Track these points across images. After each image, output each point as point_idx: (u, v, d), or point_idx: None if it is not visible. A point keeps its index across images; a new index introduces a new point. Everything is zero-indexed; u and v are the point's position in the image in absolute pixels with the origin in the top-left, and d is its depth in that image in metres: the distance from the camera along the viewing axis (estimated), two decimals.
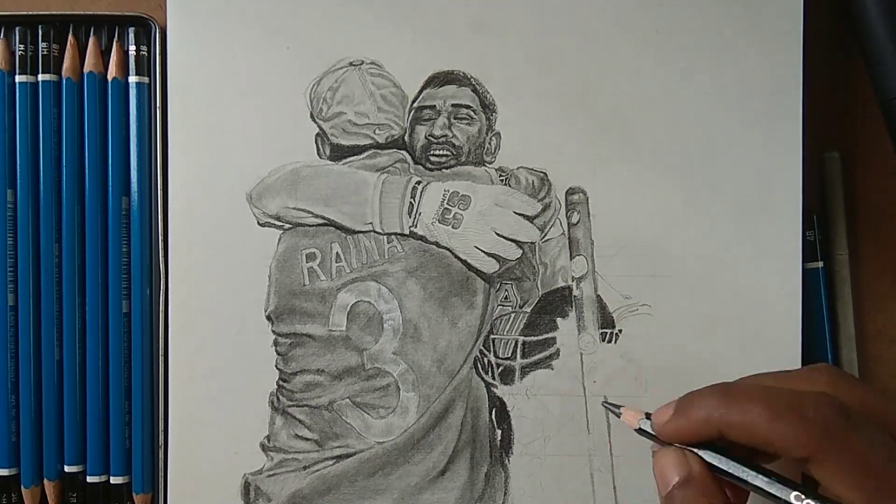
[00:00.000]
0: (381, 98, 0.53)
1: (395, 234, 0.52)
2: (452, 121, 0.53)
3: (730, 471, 0.39)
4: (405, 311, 0.52)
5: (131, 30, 0.53)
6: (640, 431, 0.42)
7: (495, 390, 0.52)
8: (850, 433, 0.36)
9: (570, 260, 0.52)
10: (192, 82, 0.52)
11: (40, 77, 0.52)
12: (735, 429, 0.37)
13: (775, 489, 0.37)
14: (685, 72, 0.53)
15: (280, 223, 0.52)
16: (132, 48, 0.53)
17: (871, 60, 0.50)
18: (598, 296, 0.52)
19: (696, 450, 0.40)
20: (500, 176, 0.52)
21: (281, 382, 0.52)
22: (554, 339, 0.52)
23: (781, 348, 0.52)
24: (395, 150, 0.53)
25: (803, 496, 0.36)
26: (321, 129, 0.53)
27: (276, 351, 0.52)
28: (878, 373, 0.55)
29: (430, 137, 0.53)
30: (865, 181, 0.55)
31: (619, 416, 0.43)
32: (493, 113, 0.53)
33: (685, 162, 0.52)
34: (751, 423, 0.37)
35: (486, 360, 0.52)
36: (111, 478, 0.53)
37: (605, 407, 0.45)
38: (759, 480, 0.38)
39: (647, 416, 0.42)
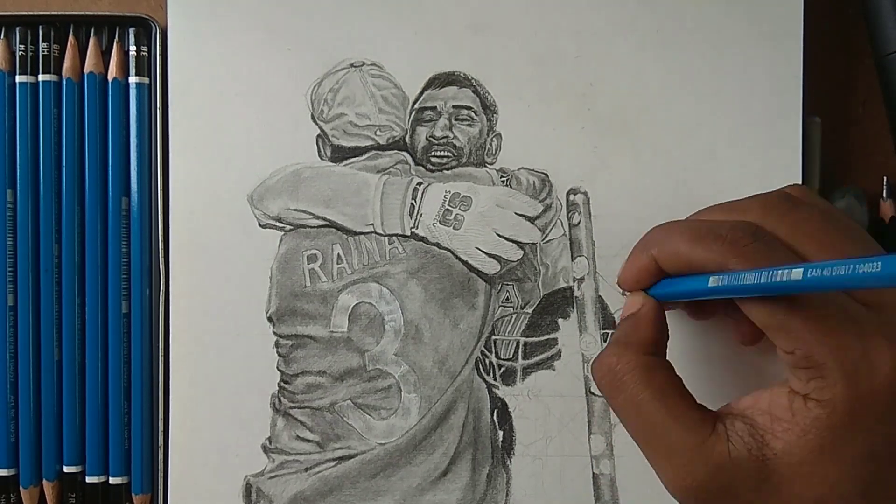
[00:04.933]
0: (382, 99, 0.53)
1: (397, 235, 0.52)
2: (453, 122, 0.53)
3: (679, 287, 0.43)
4: (406, 312, 0.52)
5: (132, 30, 0.53)
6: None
7: (497, 391, 0.52)
8: (757, 251, 0.39)
9: (572, 261, 0.52)
10: (193, 83, 0.52)
11: (40, 77, 0.52)
12: (667, 257, 0.42)
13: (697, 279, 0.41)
14: (685, 72, 0.53)
15: (281, 225, 0.52)
16: (133, 49, 0.53)
17: (870, 17, 0.52)
18: (599, 296, 0.52)
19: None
20: (501, 177, 0.52)
21: (282, 384, 0.52)
22: (555, 339, 0.52)
23: None
24: (396, 151, 0.53)
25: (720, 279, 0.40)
26: (322, 130, 0.53)
27: (277, 352, 0.52)
28: None
29: (430, 138, 0.53)
30: (865, 178, 0.55)
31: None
32: (493, 114, 0.53)
33: (686, 162, 0.53)
34: (677, 249, 0.41)
35: (487, 361, 0.52)
36: (110, 478, 0.53)
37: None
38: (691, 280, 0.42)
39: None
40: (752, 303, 0.39)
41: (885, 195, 0.54)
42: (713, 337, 0.52)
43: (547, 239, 0.53)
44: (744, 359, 0.51)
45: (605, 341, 0.52)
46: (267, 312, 0.52)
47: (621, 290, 0.47)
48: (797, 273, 0.34)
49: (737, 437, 0.38)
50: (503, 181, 0.53)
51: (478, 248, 0.52)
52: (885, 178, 0.54)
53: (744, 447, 0.38)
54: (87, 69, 0.53)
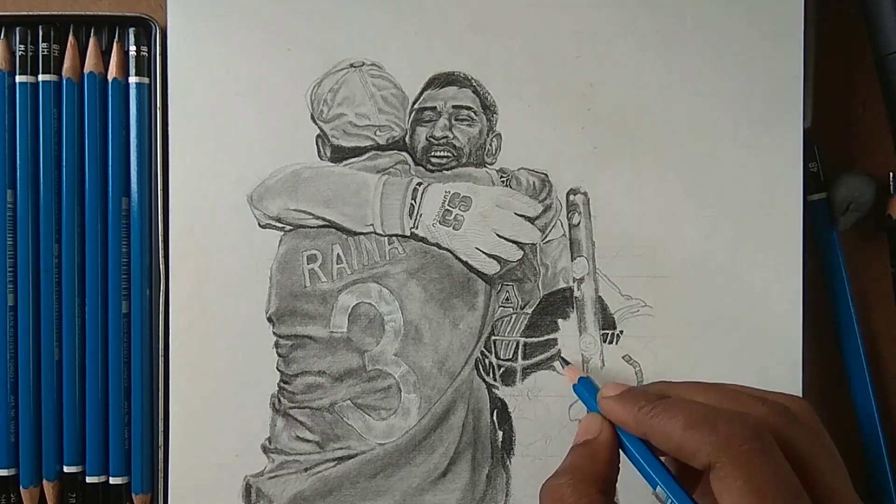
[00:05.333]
0: (382, 99, 0.53)
1: (396, 235, 0.52)
2: (453, 122, 0.53)
3: (633, 453, 0.42)
4: (406, 312, 0.52)
5: (132, 30, 0.53)
6: (575, 390, 0.49)
7: (496, 391, 0.52)
8: (751, 452, 0.36)
9: (572, 261, 0.52)
10: (193, 83, 0.52)
11: (40, 77, 0.52)
12: (657, 434, 0.40)
13: (655, 476, 0.41)
14: (685, 72, 0.53)
15: (281, 225, 0.52)
16: (132, 49, 0.53)
17: (870, 17, 0.52)
18: (599, 297, 0.52)
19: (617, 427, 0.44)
20: (501, 177, 0.52)
21: (282, 384, 0.52)
22: (555, 340, 0.52)
23: (781, 348, 0.52)
24: (395, 151, 0.53)
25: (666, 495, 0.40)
26: (322, 130, 0.53)
27: (277, 353, 0.52)
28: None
29: (430, 139, 0.53)
30: None
31: (563, 366, 0.52)
32: (493, 114, 0.53)
33: (686, 162, 0.52)
34: (669, 430, 0.39)
35: (487, 361, 0.52)
36: (110, 478, 0.53)
37: (560, 360, 0.52)
38: (652, 469, 0.41)
39: (585, 378, 0.49)
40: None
41: (892, 191, 0.54)
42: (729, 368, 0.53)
43: (547, 239, 0.52)
44: None
45: (604, 341, 0.52)
46: (267, 313, 0.52)
47: (587, 398, 0.47)
48: None
49: None
50: (503, 181, 0.52)
51: (477, 249, 0.52)
52: (890, 173, 0.54)
53: None
54: (87, 69, 0.53)
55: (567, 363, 0.52)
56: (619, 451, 0.43)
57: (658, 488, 0.40)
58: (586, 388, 0.47)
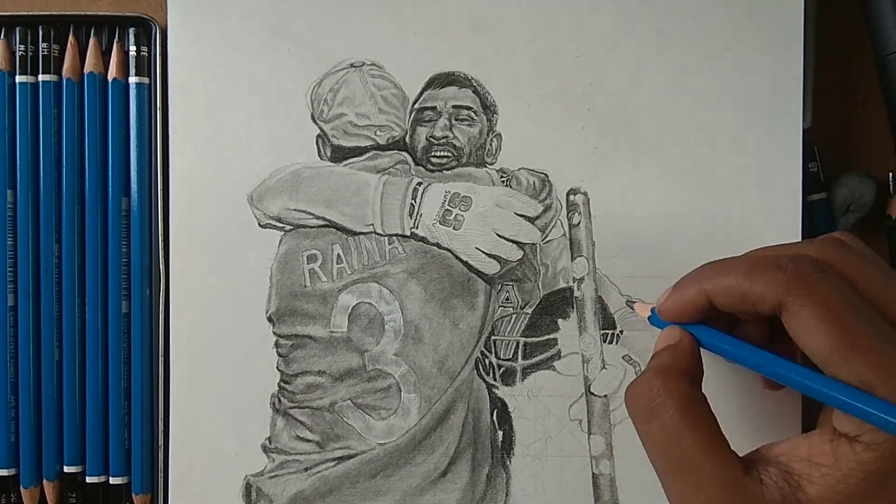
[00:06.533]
0: (382, 99, 0.53)
1: (396, 235, 0.52)
2: (453, 122, 0.53)
3: (715, 341, 0.42)
4: (406, 312, 0.52)
5: (132, 30, 0.53)
6: (651, 321, 0.46)
7: (496, 391, 0.52)
8: (821, 281, 0.38)
9: (572, 261, 0.52)
10: (193, 83, 0.52)
11: (40, 77, 0.52)
12: (720, 291, 0.40)
13: (750, 355, 0.41)
14: (685, 72, 0.53)
15: (281, 225, 0.52)
16: (132, 49, 0.53)
17: (870, 17, 0.52)
18: (599, 297, 0.52)
19: (689, 329, 0.43)
20: (501, 177, 0.52)
21: (282, 384, 0.52)
22: (555, 340, 0.52)
23: None
24: (395, 151, 0.53)
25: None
26: (322, 130, 0.53)
27: (277, 352, 0.52)
28: None
29: (430, 139, 0.53)
30: None
31: (632, 308, 0.52)
32: (493, 114, 0.53)
33: (686, 162, 0.52)
34: (733, 282, 0.40)
35: (487, 361, 0.52)
36: (110, 478, 0.53)
37: (628, 304, 0.52)
38: (743, 349, 0.41)
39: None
40: (813, 335, 0.37)
41: (892, 191, 0.54)
42: (730, 381, 0.52)
43: (547, 239, 0.52)
44: (759, 406, 0.51)
45: (605, 341, 0.52)
46: (267, 312, 0.52)
47: (659, 322, 0.46)
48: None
49: (771, 481, 0.38)
50: (503, 181, 0.52)
51: (478, 249, 0.52)
52: (889, 173, 0.54)
53: (778, 492, 0.37)
54: (87, 69, 0.53)
55: (634, 302, 0.52)
56: (700, 352, 0.43)
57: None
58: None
